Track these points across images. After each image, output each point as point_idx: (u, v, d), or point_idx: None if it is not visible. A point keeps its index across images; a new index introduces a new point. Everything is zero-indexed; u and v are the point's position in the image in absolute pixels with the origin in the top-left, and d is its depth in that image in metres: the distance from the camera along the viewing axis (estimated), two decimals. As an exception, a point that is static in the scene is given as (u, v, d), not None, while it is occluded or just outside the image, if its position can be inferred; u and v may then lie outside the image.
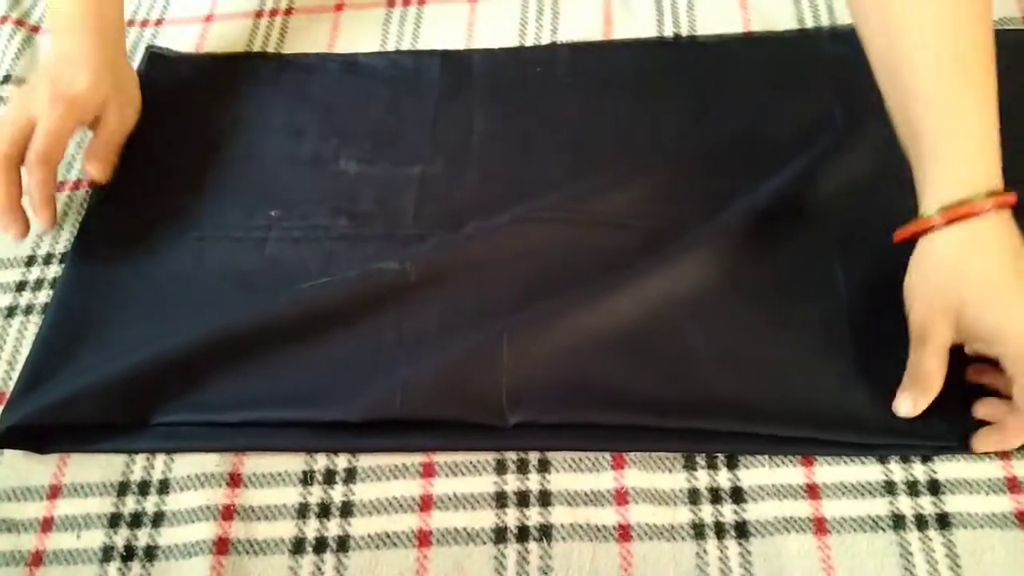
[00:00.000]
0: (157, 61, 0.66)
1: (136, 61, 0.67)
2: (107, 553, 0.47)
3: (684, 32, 0.65)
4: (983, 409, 0.46)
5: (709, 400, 0.48)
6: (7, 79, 0.67)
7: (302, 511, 0.47)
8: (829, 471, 0.46)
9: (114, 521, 0.48)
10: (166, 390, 0.50)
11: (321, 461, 0.49)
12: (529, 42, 0.65)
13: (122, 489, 0.48)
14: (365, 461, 0.48)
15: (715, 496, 0.46)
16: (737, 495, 0.46)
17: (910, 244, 0.47)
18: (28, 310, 0.56)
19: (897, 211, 0.48)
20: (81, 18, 0.58)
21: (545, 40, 0.65)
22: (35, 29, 0.71)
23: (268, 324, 0.52)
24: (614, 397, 0.48)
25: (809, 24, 0.64)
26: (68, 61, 0.57)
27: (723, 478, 0.46)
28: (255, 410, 0.49)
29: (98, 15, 0.59)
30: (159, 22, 0.70)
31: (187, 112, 0.64)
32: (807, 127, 0.58)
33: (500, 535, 0.46)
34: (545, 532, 0.45)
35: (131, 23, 0.70)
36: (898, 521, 0.45)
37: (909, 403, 0.45)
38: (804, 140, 0.57)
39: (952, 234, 0.44)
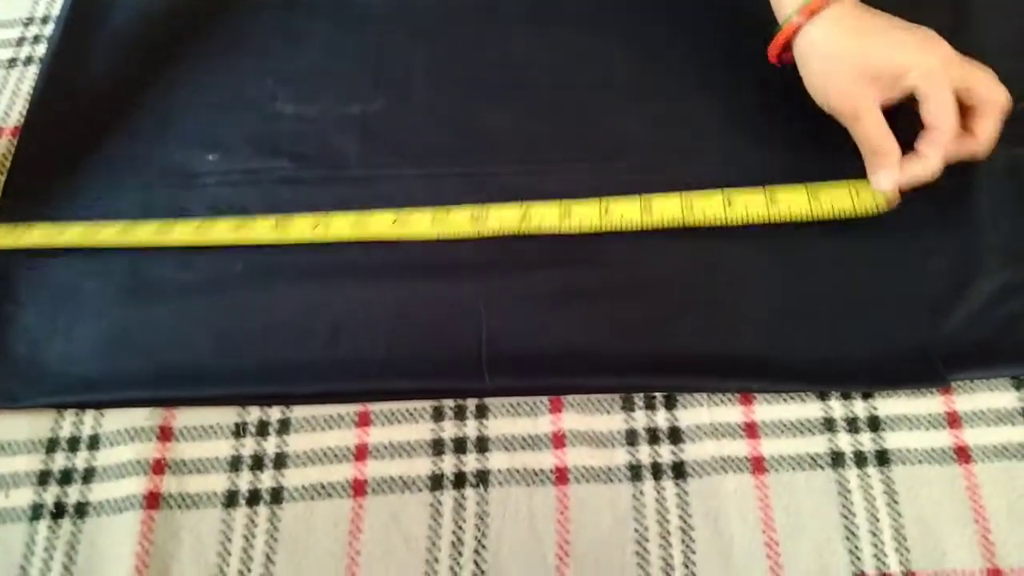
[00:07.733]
0: (82, 1, 0.63)
1: None
2: (36, 511, 0.45)
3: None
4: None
5: (685, 357, 0.47)
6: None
7: (235, 463, 0.46)
8: (768, 409, 0.46)
9: (43, 478, 0.46)
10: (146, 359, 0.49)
11: (254, 413, 0.47)
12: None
13: (51, 446, 0.47)
14: (299, 412, 0.47)
15: (653, 437, 0.45)
16: (675, 435, 0.45)
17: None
18: None
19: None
20: None
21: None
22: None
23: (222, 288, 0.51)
24: (594, 361, 0.47)
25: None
26: None
27: (661, 418, 0.46)
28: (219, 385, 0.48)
29: None
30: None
31: (118, 55, 0.61)
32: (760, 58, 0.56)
33: (436, 482, 0.45)
34: (482, 478, 0.45)
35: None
36: (837, 458, 0.44)
37: (884, 174, 0.47)
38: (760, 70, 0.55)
39: (822, 21, 0.47)
